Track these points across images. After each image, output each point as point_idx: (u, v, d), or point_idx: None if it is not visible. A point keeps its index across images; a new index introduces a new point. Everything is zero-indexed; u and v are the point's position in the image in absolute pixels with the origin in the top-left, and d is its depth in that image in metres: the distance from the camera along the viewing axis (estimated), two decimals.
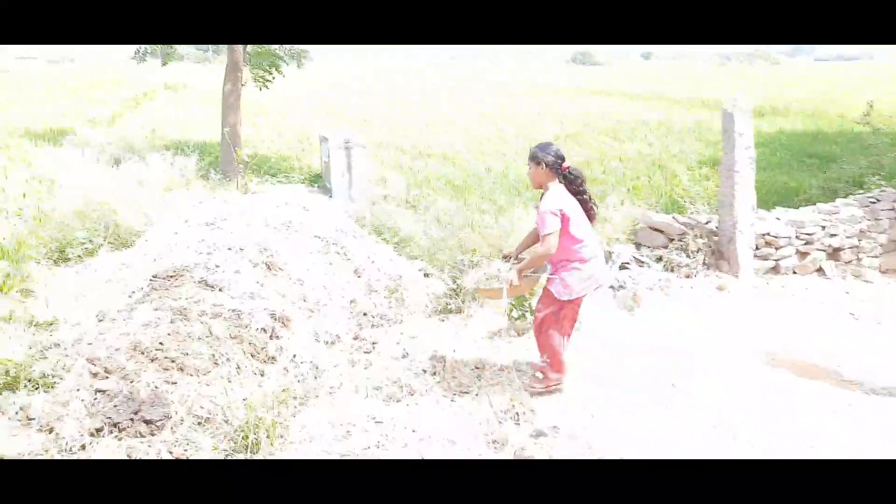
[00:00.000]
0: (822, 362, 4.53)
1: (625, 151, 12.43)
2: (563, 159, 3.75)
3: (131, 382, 3.48)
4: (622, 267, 5.73)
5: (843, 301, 5.73)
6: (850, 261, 6.29)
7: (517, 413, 3.79)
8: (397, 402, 4.01)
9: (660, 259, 5.77)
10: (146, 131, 12.13)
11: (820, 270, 6.24)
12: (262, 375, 3.97)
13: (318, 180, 10.55)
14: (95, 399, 3.37)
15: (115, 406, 3.35)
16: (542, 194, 3.79)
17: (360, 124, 16.25)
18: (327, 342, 4.59)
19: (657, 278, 5.45)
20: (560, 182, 3.77)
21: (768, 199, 8.25)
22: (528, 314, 4.83)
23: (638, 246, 6.12)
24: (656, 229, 5.99)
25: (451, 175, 10.78)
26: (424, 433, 3.67)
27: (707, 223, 5.93)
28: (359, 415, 3.80)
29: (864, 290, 6.05)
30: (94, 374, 3.49)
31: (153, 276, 4.35)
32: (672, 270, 5.67)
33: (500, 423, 3.69)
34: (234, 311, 4.07)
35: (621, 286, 5.46)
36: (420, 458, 3.41)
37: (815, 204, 6.99)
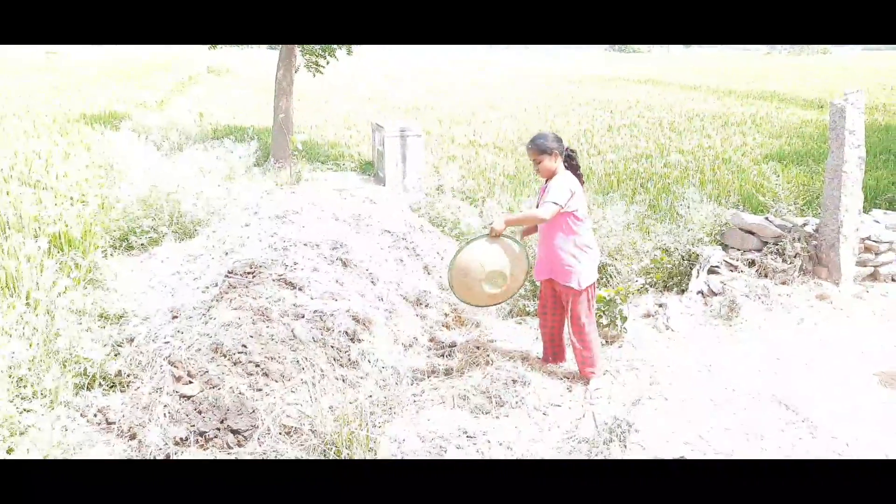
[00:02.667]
0: None
1: (683, 144, 11.92)
2: (562, 142, 3.95)
3: (215, 388, 3.27)
4: (711, 271, 5.35)
5: None
6: None
7: (622, 431, 3.48)
8: (486, 413, 3.75)
9: (752, 263, 5.37)
10: (194, 115, 12.01)
11: None
12: (343, 381, 3.74)
13: (369, 168, 10.31)
14: (179, 405, 3.17)
15: (200, 413, 3.14)
16: (548, 180, 3.90)
17: (407, 112, 15.97)
18: (405, 345, 4.34)
19: (754, 284, 5.07)
20: (566, 167, 3.94)
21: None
22: (618, 321, 4.51)
23: (725, 248, 5.73)
24: (748, 231, 5.59)
25: (504, 165, 10.46)
26: (521, 450, 3.41)
27: (804, 226, 5.51)
28: (449, 428, 3.54)
29: None
30: (177, 378, 3.28)
31: (229, 272, 4.13)
32: (766, 276, 5.28)
33: (605, 444, 3.39)
34: (316, 312, 3.83)
35: (713, 292, 5.09)
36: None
37: None
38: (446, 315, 4.89)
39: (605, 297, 4.48)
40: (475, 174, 9.86)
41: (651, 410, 3.71)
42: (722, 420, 3.62)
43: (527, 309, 5.09)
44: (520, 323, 5.01)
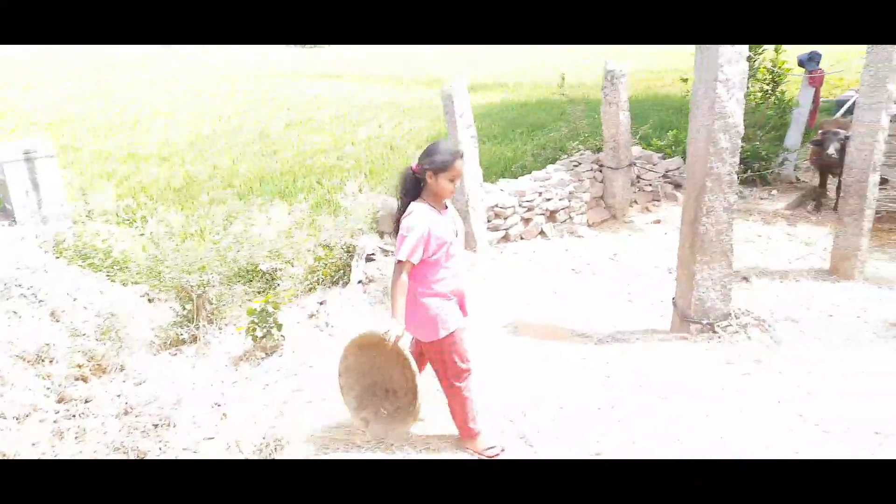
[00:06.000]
0: (559, 322, 4.90)
1: (357, 135, 12.36)
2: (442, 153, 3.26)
3: None
4: (368, 259, 5.56)
5: (564, 259, 6.33)
6: (565, 220, 6.99)
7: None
8: None
9: None
10: None
11: (542, 233, 6.82)
12: None
13: None
14: None
15: None
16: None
17: (51, 127, 13.65)
18: (17, 418, 3.60)
19: None
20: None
21: (491, 169, 8.84)
22: (273, 330, 4.38)
23: (382, 235, 6.01)
24: None
25: (170, 178, 9.58)
26: None
27: None
28: None
29: (578, 244, 6.78)
30: None
31: None
32: None
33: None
34: None
35: (371, 280, 5.29)
36: None
37: (530, 171, 7.63)
38: (80, 366, 4.21)
39: (255, 309, 4.31)
40: (135, 192, 8.84)
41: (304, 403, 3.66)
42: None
43: (181, 337, 4.67)
44: (175, 354, 4.58)
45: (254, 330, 4.31)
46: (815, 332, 4.74)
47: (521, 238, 6.68)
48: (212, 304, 4.75)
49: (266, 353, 4.35)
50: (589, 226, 7.25)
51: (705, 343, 4.40)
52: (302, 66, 27.89)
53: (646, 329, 4.77)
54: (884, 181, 8.10)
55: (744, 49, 3.93)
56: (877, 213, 7.24)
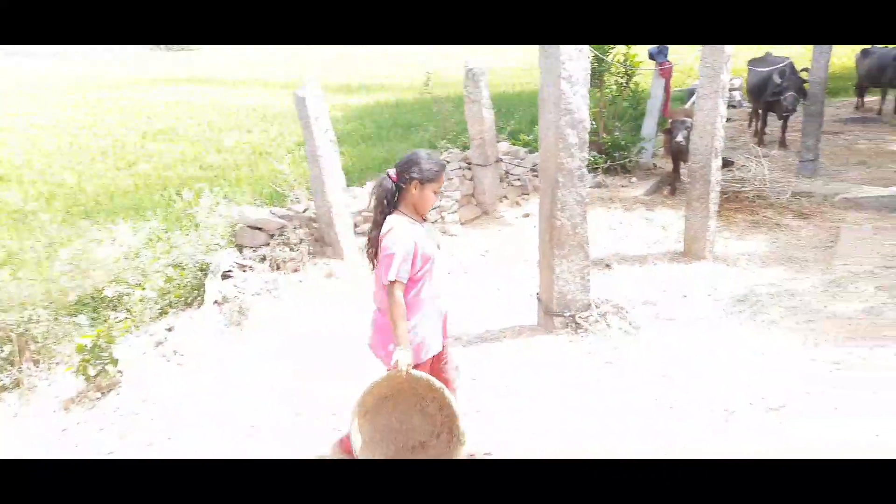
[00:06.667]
0: None
1: (223, 143, 11.69)
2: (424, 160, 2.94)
3: None
4: (225, 276, 5.17)
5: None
6: (436, 220, 6.91)
7: None
8: None
9: (264, 259, 5.40)
10: None
11: None
12: None
13: None
14: None
15: None
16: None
17: None
18: None
19: (263, 281, 5.07)
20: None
21: (364, 172, 8.63)
22: (108, 366, 3.93)
23: (241, 248, 5.63)
24: (256, 227, 5.58)
25: (8, 199, 8.55)
26: None
27: (305, 211, 5.77)
28: None
29: (450, 243, 6.72)
30: None
31: None
32: (279, 268, 5.36)
33: None
34: None
35: (226, 299, 4.92)
36: None
37: None
38: None
39: (84, 346, 3.84)
40: None
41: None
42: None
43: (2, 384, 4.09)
44: None
45: (85, 368, 3.85)
46: (671, 314, 4.95)
47: None
48: (37, 342, 4.20)
49: (102, 393, 3.90)
50: (461, 224, 7.23)
51: (569, 335, 4.45)
52: (168, 71, 26.19)
53: (514, 326, 4.76)
54: (729, 163, 8.76)
55: (584, 46, 3.98)
56: (723, 193, 7.79)
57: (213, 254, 5.49)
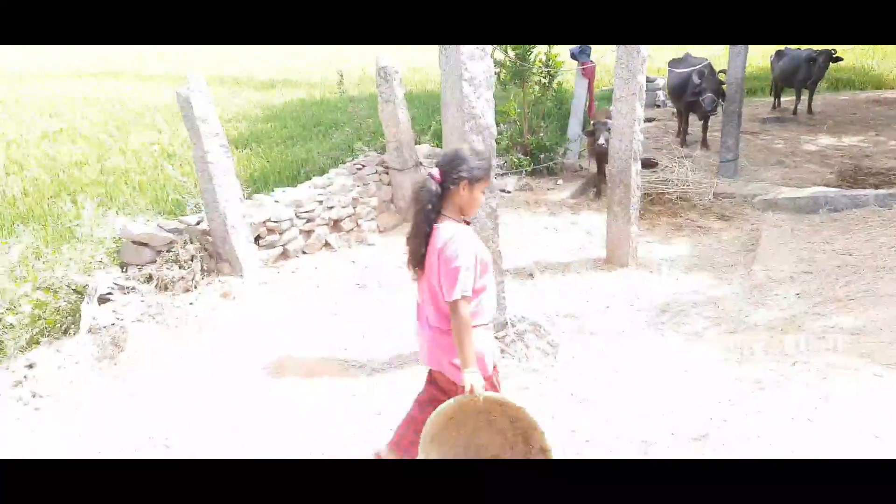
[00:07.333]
0: (329, 353, 4.36)
1: (130, 144, 10.82)
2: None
3: None
4: (103, 300, 4.58)
5: (349, 272, 5.82)
6: (351, 229, 6.48)
7: None
8: None
9: (150, 279, 4.82)
10: None
11: (328, 245, 6.25)
12: None
13: None
14: None
15: None
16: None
17: None
18: None
19: (147, 305, 4.52)
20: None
21: (283, 174, 8.09)
22: None
23: (124, 267, 5.03)
24: (140, 242, 4.99)
25: None
26: None
27: (198, 224, 5.22)
28: None
29: (367, 254, 6.31)
30: None
31: None
32: (167, 289, 4.80)
33: None
34: None
35: (102, 327, 4.34)
36: None
37: (322, 174, 6.99)
38: None
39: None
40: None
41: None
42: None
43: None
44: None
45: None
46: (593, 327, 4.72)
47: (304, 253, 6.05)
48: None
49: None
50: (380, 232, 6.82)
51: None
52: (82, 64, 24.46)
53: None
54: (653, 164, 8.70)
55: (487, 46, 3.64)
56: (647, 195, 7.70)
57: (94, 273, 4.88)
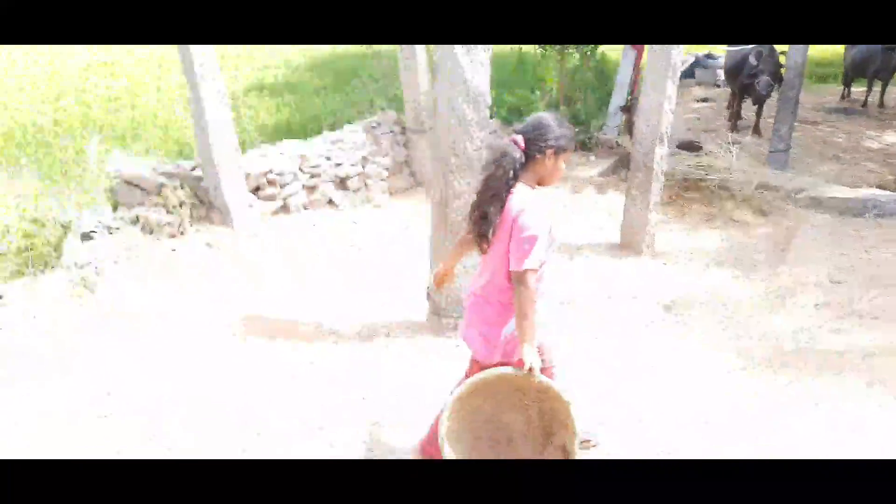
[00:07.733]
0: (310, 315, 4.19)
1: (166, 81, 10.81)
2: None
3: None
4: (85, 237, 4.52)
5: (348, 233, 5.62)
6: (359, 188, 6.26)
7: None
8: None
9: (137, 220, 4.73)
10: None
11: (332, 202, 6.05)
12: None
13: None
14: None
15: None
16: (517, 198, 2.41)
17: None
18: None
19: (127, 247, 4.43)
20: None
21: (306, 126, 7.89)
22: None
23: (116, 206, 4.95)
24: (132, 183, 4.90)
25: None
26: None
27: (193, 169, 5.08)
28: None
29: (372, 215, 6.09)
30: None
31: None
32: (152, 233, 4.71)
33: None
34: None
35: (78, 265, 4.28)
36: None
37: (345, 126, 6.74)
38: None
39: None
40: None
41: None
42: None
43: None
44: None
45: None
46: (588, 319, 4.40)
47: (305, 209, 5.87)
48: None
49: None
50: (391, 194, 6.58)
51: (456, 339, 3.87)
52: None
53: (402, 321, 4.18)
54: (697, 148, 8.11)
55: None
56: (685, 180, 7.19)
57: (85, 210, 4.82)
